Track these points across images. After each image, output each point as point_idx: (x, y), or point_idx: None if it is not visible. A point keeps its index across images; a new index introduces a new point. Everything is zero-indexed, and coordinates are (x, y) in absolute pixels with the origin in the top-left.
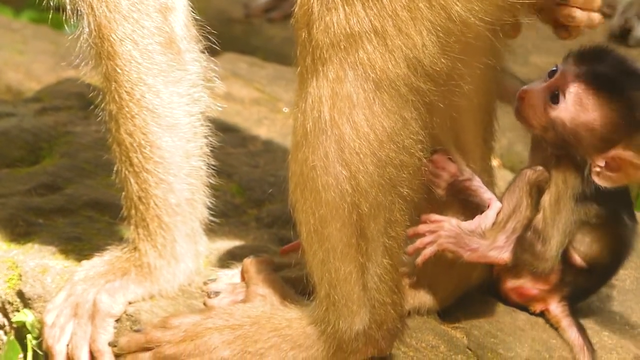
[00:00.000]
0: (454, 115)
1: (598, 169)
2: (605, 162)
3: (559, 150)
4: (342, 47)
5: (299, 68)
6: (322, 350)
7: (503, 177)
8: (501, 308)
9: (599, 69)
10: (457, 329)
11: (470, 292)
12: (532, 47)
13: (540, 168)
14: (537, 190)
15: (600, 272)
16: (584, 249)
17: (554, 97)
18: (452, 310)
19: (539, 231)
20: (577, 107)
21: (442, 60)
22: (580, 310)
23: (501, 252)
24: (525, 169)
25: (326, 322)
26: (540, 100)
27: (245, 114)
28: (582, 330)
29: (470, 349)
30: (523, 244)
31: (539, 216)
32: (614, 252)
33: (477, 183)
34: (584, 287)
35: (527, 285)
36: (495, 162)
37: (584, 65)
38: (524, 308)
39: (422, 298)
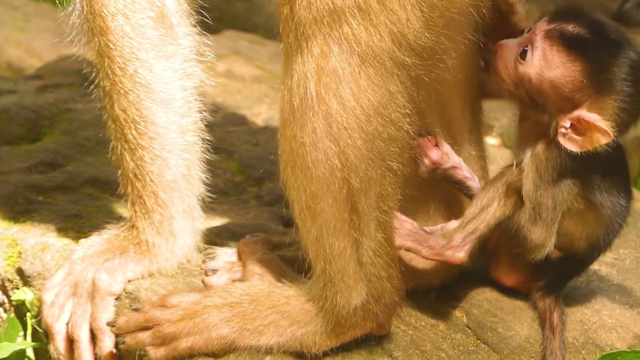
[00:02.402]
0: (440, 89)
1: (564, 130)
2: (571, 124)
3: (530, 109)
4: (326, 22)
5: (284, 45)
6: (320, 325)
7: (503, 156)
8: (500, 288)
9: (567, 28)
10: (457, 308)
11: (470, 273)
12: None
13: (520, 169)
14: (516, 192)
15: (579, 259)
16: (559, 239)
17: (524, 52)
18: (451, 289)
19: (525, 222)
20: (542, 62)
21: (426, 34)
22: (579, 289)
23: (456, 251)
24: (506, 168)
25: (324, 298)
26: (512, 55)
27: (246, 92)
28: (551, 317)
29: (469, 328)
30: (512, 240)
31: (525, 206)
32: (593, 239)
33: (463, 172)
34: (564, 274)
35: (504, 276)
36: (495, 141)
37: (555, 23)
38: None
39: (421, 277)
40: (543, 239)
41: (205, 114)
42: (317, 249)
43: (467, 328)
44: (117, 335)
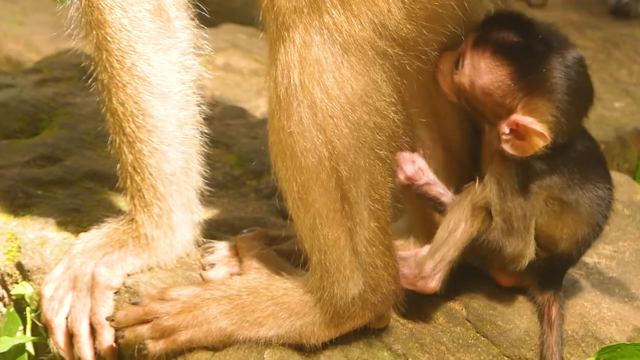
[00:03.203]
0: (425, 80)
1: (505, 137)
2: (510, 129)
3: (474, 117)
4: (306, 12)
5: (267, 35)
6: (319, 316)
7: None
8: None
9: (494, 34)
10: (456, 301)
11: (469, 267)
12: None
13: (485, 186)
14: (483, 209)
15: (568, 256)
16: (541, 242)
17: (457, 62)
18: (450, 283)
19: (498, 236)
20: (472, 71)
21: (408, 26)
22: (578, 282)
23: (427, 282)
24: (470, 186)
25: (321, 288)
26: (449, 65)
27: (245, 85)
28: (550, 311)
29: (469, 321)
30: (490, 255)
31: (495, 221)
32: (576, 237)
33: (437, 189)
34: (557, 270)
35: (500, 278)
36: None
37: (482, 30)
38: None
39: None
40: (520, 249)
41: (203, 107)
42: (312, 240)
43: (466, 321)
44: (116, 330)
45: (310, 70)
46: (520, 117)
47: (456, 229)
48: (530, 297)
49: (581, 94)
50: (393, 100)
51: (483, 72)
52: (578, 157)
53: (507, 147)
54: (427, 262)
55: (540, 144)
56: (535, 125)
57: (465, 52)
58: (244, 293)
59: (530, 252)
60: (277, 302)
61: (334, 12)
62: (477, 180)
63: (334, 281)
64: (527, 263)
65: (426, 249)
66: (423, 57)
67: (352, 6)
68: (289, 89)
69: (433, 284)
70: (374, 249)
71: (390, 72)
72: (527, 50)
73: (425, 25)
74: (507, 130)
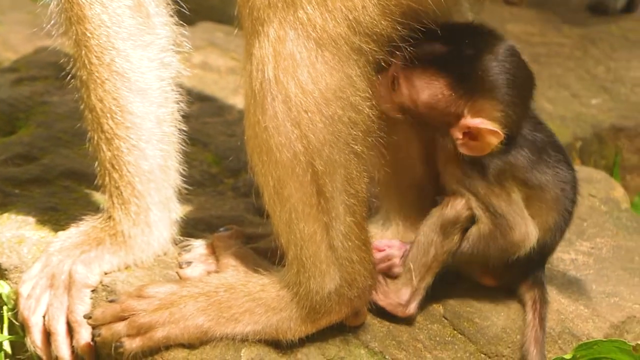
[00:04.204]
0: None
1: (460, 142)
2: (463, 133)
3: (426, 130)
4: (280, 7)
5: (243, 30)
6: (295, 311)
7: None
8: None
9: (419, 50)
10: (433, 299)
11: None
12: (508, 15)
13: (455, 202)
14: (452, 224)
15: (544, 246)
16: None
17: (392, 83)
18: None
19: (489, 232)
20: (409, 90)
21: (383, 22)
22: (556, 279)
23: (406, 309)
24: (436, 209)
25: (298, 283)
26: (385, 88)
27: (222, 83)
28: (535, 305)
29: (446, 318)
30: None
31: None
32: (548, 224)
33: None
34: (536, 262)
35: (483, 279)
36: None
37: (408, 49)
38: None
39: None
40: (524, 231)
41: (182, 104)
42: (288, 235)
43: (443, 318)
44: (93, 327)
45: (284, 65)
46: (470, 121)
47: (428, 250)
48: (514, 293)
49: (521, 83)
50: (368, 95)
51: (420, 90)
52: (533, 144)
53: (464, 150)
54: (402, 289)
55: (494, 140)
56: (486, 125)
57: (396, 73)
58: (221, 290)
59: (533, 230)
60: (253, 298)
61: (308, 7)
62: (442, 200)
63: (310, 276)
64: (533, 243)
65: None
66: (398, 53)
67: (326, 2)
68: (264, 83)
69: (411, 311)
70: (350, 243)
71: (365, 68)
72: (457, 57)
73: (400, 21)
74: (460, 135)
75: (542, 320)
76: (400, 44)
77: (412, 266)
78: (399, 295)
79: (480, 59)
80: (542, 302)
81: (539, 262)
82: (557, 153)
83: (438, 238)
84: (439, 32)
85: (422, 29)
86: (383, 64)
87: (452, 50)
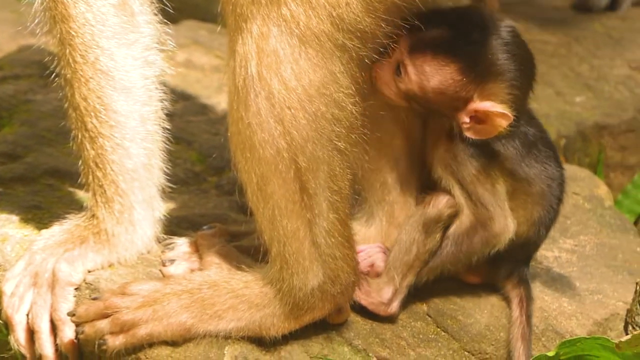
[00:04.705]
0: None
1: (466, 125)
2: (470, 117)
3: (432, 115)
4: (263, 3)
5: (227, 27)
6: (278, 308)
7: None
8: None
9: (427, 35)
10: (417, 297)
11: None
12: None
13: (437, 201)
14: (434, 222)
15: (528, 241)
16: None
17: (398, 70)
18: None
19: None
20: (418, 76)
21: (366, 19)
22: (539, 276)
23: (388, 307)
24: (418, 207)
25: (281, 280)
26: (389, 75)
27: (206, 82)
28: (522, 303)
29: (429, 316)
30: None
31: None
32: (533, 218)
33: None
34: (520, 259)
35: (467, 276)
36: None
37: (414, 35)
38: None
39: None
40: (503, 224)
41: (165, 103)
42: (271, 231)
43: (427, 316)
44: (77, 325)
45: (267, 61)
46: (480, 104)
47: (410, 249)
48: (497, 291)
49: (526, 64)
50: (351, 92)
51: (430, 75)
52: (525, 136)
53: (470, 134)
54: (384, 288)
55: (503, 123)
56: (496, 108)
57: (403, 59)
58: (204, 287)
59: (511, 223)
60: (237, 295)
61: (292, 4)
62: (424, 198)
63: (293, 272)
64: (510, 237)
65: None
66: (382, 50)
67: None
68: (247, 80)
69: (393, 310)
70: (333, 240)
71: (349, 64)
72: (465, 41)
73: (384, 18)
74: (467, 119)
75: (528, 317)
76: (404, 31)
77: (394, 265)
78: (381, 294)
79: (488, 42)
80: (528, 299)
81: (524, 259)
82: (547, 149)
83: (420, 236)
84: (441, 16)
85: (424, 14)
86: (367, 60)
87: (460, 34)
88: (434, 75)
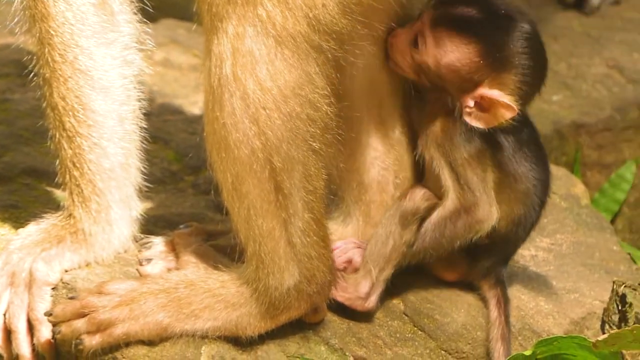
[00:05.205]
0: (365, 73)
1: (469, 110)
2: (475, 102)
3: (434, 94)
4: (239, 3)
5: (203, 26)
6: (254, 307)
7: None
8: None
9: (454, 11)
10: (393, 295)
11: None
12: None
13: (414, 194)
14: (412, 214)
15: (507, 240)
16: None
17: (416, 41)
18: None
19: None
20: (435, 49)
21: (343, 21)
22: (516, 275)
23: (366, 302)
24: (399, 201)
25: (257, 279)
26: (405, 44)
27: (184, 81)
28: (500, 303)
29: (406, 315)
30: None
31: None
32: (514, 216)
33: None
34: (499, 258)
35: (444, 273)
36: None
37: (441, 8)
38: None
39: None
40: (486, 211)
41: (143, 102)
42: (247, 231)
43: (404, 315)
44: (54, 325)
45: (243, 61)
46: (488, 91)
47: (386, 245)
48: (473, 289)
49: (541, 64)
50: (326, 93)
51: (450, 51)
52: (520, 134)
53: (469, 119)
54: (362, 282)
55: (506, 115)
56: (504, 98)
57: (424, 30)
58: (181, 286)
59: (495, 211)
60: (213, 294)
61: (268, 4)
62: (407, 191)
63: (269, 272)
64: (493, 225)
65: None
66: (358, 52)
67: None
68: (222, 80)
69: (371, 305)
70: (308, 239)
71: (324, 65)
72: (492, 25)
73: (360, 20)
74: (471, 104)
75: (507, 318)
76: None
77: (371, 258)
78: (358, 288)
79: (513, 33)
80: (506, 300)
81: (502, 259)
82: (538, 151)
83: (397, 229)
84: None
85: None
86: (343, 62)
87: (487, 17)
88: (453, 51)
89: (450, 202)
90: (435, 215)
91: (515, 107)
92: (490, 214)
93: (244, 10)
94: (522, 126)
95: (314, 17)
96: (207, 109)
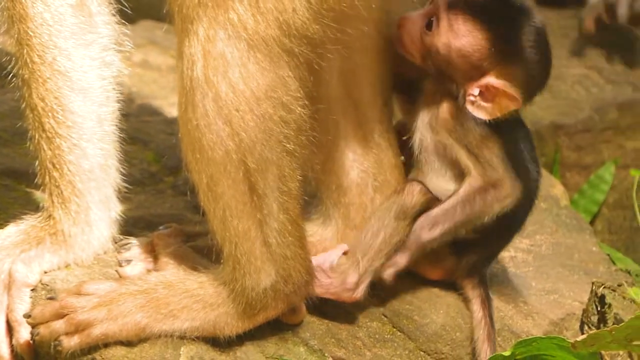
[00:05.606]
0: (343, 76)
1: (472, 98)
2: (480, 91)
3: (438, 81)
4: (210, 5)
5: (175, 27)
6: (232, 307)
7: None
8: (417, 276)
9: None
10: (372, 296)
11: None
12: None
13: (412, 188)
14: (412, 209)
15: (495, 236)
16: None
17: (429, 23)
18: None
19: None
20: (448, 32)
21: (315, 26)
22: (495, 276)
23: (352, 294)
24: (401, 184)
25: (234, 280)
26: (417, 27)
27: (162, 82)
28: (486, 307)
29: (385, 316)
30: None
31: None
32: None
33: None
34: (485, 256)
35: (426, 272)
36: None
37: None
38: None
39: None
40: (510, 185)
41: (121, 103)
42: (223, 231)
43: (383, 316)
44: (33, 327)
45: (214, 64)
46: (494, 80)
47: (377, 237)
48: (454, 290)
49: (548, 61)
50: (300, 95)
51: (462, 35)
52: (518, 134)
53: (472, 108)
54: (349, 273)
55: (510, 107)
56: (510, 89)
57: (439, 13)
58: (160, 287)
59: (518, 186)
60: (191, 295)
61: (240, 8)
62: (404, 184)
63: (245, 272)
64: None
65: (333, 256)
66: (331, 56)
67: (258, 3)
68: (194, 81)
69: (358, 295)
70: (284, 240)
71: (297, 69)
72: (506, 15)
73: (332, 25)
74: (476, 92)
75: (491, 318)
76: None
77: (359, 247)
78: (346, 280)
79: (526, 27)
80: (489, 300)
81: (489, 255)
82: (532, 151)
83: (390, 222)
84: None
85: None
86: (316, 66)
87: (504, 8)
88: (466, 35)
89: (474, 179)
90: (462, 192)
91: (519, 99)
92: (514, 188)
93: (214, 13)
94: (519, 124)
95: (285, 22)
96: (181, 110)
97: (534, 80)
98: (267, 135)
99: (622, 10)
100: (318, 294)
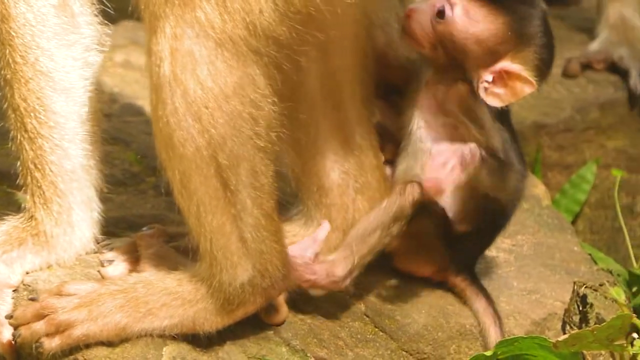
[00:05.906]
0: (319, 80)
1: (486, 85)
2: (493, 78)
3: (447, 71)
4: (177, 4)
5: (143, 24)
6: (210, 303)
7: None
8: (399, 275)
9: None
10: (354, 296)
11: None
12: None
13: (412, 189)
14: (411, 208)
15: (485, 230)
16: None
17: (441, 12)
18: None
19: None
20: (464, 18)
21: (283, 27)
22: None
23: (340, 284)
24: (401, 185)
25: (211, 276)
26: (427, 16)
27: (144, 82)
28: (487, 297)
29: (367, 316)
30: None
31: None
32: (492, 207)
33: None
34: (474, 250)
35: (418, 269)
36: None
37: None
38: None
39: None
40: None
41: (103, 104)
42: (198, 227)
43: (364, 316)
44: (15, 328)
45: (182, 62)
46: (510, 65)
47: (373, 234)
48: (442, 287)
49: (553, 45)
50: (268, 92)
51: (479, 20)
52: (512, 132)
53: (484, 95)
54: (340, 265)
55: (526, 91)
56: (525, 73)
57: (452, 0)
58: (139, 286)
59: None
60: (170, 292)
61: (207, 7)
62: (405, 185)
63: (222, 268)
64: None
65: (317, 241)
66: (302, 57)
67: (225, 3)
68: (162, 78)
69: (344, 285)
70: (259, 235)
71: (266, 67)
72: (520, 1)
73: (300, 28)
74: (489, 78)
75: (494, 307)
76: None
77: (355, 241)
78: (334, 271)
79: (535, 11)
80: (488, 292)
81: (477, 252)
82: (519, 149)
83: (388, 221)
84: None
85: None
86: (285, 65)
87: None
88: (482, 20)
89: (490, 163)
90: (482, 176)
91: (534, 82)
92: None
93: (181, 11)
94: (507, 123)
95: (252, 22)
96: (152, 107)
97: (543, 64)
98: (237, 131)
99: (634, 82)
100: (301, 286)
